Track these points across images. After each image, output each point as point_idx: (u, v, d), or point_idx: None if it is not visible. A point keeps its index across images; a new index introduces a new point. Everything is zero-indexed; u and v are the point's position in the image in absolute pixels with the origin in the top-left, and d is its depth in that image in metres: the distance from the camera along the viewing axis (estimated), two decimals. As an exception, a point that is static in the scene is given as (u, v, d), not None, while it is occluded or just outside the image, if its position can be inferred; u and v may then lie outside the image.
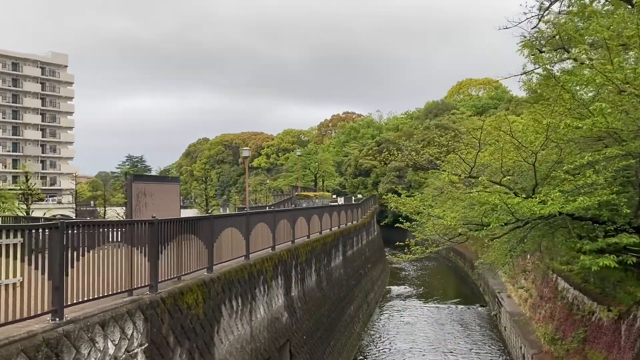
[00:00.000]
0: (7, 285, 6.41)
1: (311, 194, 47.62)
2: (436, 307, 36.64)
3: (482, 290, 39.90)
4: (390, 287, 43.68)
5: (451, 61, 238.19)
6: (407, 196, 19.04)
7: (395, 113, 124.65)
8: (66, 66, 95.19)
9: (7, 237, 6.44)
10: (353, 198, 56.71)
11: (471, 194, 12.09)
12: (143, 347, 9.05)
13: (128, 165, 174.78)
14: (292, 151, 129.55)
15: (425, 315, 34.31)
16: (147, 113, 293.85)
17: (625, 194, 11.87)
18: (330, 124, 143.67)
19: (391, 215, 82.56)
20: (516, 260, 17.76)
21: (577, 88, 12.76)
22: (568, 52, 17.11)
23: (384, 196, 73.81)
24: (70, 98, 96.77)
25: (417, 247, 15.72)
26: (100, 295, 8.27)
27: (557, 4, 24.36)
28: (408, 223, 17.10)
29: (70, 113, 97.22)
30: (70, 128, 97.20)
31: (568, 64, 25.08)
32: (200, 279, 11.59)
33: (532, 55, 19.01)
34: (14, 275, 6.54)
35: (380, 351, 26.42)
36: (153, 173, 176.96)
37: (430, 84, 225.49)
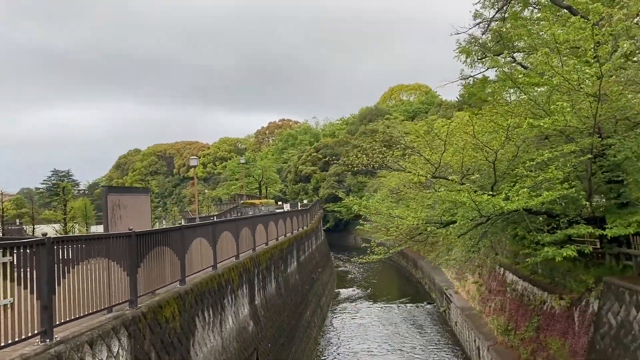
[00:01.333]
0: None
1: (257, 201, 47.24)
2: (386, 307, 37.31)
3: (428, 288, 41.06)
4: (339, 290, 44.06)
5: (377, 67, 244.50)
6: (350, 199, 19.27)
7: (331, 119, 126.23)
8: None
9: (-2, 255, 6.05)
10: (299, 204, 56.79)
11: (439, 193, 12.53)
12: (128, 364, 8.73)
13: (54, 179, 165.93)
14: (229, 160, 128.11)
15: (377, 315, 34.87)
16: (70, 125, 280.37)
17: (576, 188, 12.69)
18: (267, 131, 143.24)
19: (333, 220, 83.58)
20: (465, 257, 18.47)
21: (532, 90, 13.52)
22: (514, 58, 18.06)
23: (331, 203, 74.28)
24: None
25: (380, 247, 16.02)
26: (86, 313, 7.91)
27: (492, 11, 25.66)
28: (368, 225, 17.35)
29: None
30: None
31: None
32: (175, 291, 11.30)
33: (479, 60, 19.87)
34: (5, 297, 6.15)
35: (338, 354, 26.60)
36: (81, 187, 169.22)
37: (360, 90, 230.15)
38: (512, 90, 25.60)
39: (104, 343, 8.02)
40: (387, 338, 29.07)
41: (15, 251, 6.37)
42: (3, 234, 51.63)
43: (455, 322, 28.58)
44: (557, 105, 10.81)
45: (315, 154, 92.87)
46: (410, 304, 37.35)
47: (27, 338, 6.52)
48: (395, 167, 15.11)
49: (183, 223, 61.07)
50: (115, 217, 11.04)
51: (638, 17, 13.74)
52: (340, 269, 56.60)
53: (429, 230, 14.32)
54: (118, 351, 8.42)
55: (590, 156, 12.04)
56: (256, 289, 18.62)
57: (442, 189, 12.85)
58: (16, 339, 6.29)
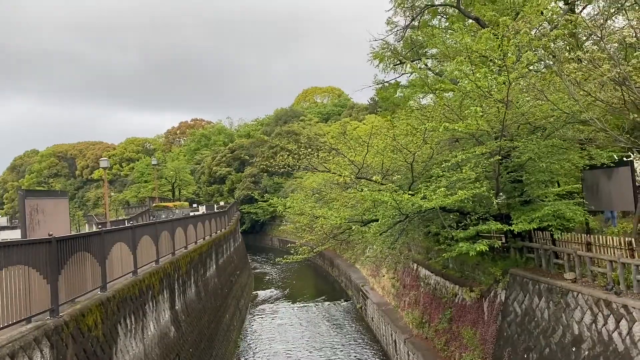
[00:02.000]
0: None
1: (170, 204, 45.87)
2: (304, 306, 37.76)
3: (344, 286, 42.05)
4: (257, 291, 43.94)
5: (288, 69, 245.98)
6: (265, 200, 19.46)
7: (246, 120, 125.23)
8: None
9: None
10: (215, 206, 55.84)
11: (362, 193, 13.01)
12: (50, 376, 8.30)
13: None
14: (137, 161, 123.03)
15: (295, 315, 35.22)
16: None
17: (486, 187, 13.70)
18: (178, 132, 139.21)
19: (249, 221, 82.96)
20: (384, 253, 19.27)
21: (445, 95, 14.41)
22: (426, 65, 19.09)
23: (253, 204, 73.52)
24: None
25: (304, 247, 16.31)
26: (6, 325, 7.45)
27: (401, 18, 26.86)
28: (291, 225, 17.57)
29: None
30: None
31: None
32: (97, 298, 10.86)
33: (395, 66, 20.78)
34: None
35: (259, 356, 26.60)
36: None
37: (272, 92, 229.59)
38: (421, 95, 27.08)
39: (26, 355, 7.60)
40: (306, 337, 29.47)
41: None
42: None
43: (372, 318, 29.56)
44: (470, 110, 11.67)
45: (230, 154, 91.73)
46: (328, 302, 38.07)
47: (-57, 354, 6.07)
48: (321, 168, 15.46)
49: (88, 228, 57.76)
50: (33, 222, 10.39)
51: (536, 30, 15.11)
52: (257, 270, 56.38)
53: (352, 228, 14.81)
54: (40, 363, 8.00)
55: (499, 158, 13.07)
56: (177, 294, 18.21)
57: (365, 189, 13.37)
58: None
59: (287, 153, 16.31)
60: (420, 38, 26.53)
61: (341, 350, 26.65)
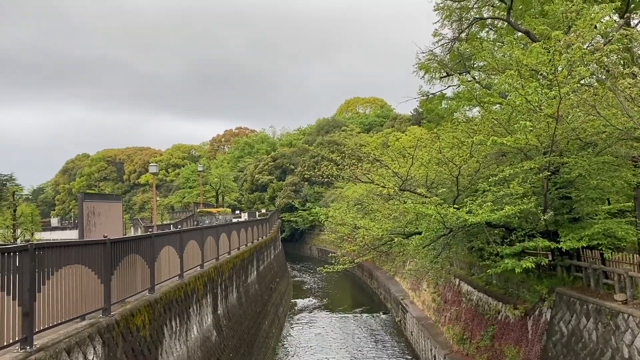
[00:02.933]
0: (-17, 314, 5.94)
1: (213, 210, 46.72)
2: (342, 316, 37.66)
3: (383, 298, 41.73)
4: (296, 300, 44.12)
5: (330, 79, 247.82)
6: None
7: (288, 129, 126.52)
8: None
9: (-17, 261, 5.98)
10: (257, 213, 56.54)
11: (406, 205, 13.00)
12: (102, 372, 8.65)
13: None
14: (183, 167, 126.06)
15: (333, 325, 35.16)
16: (10, 128, 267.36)
17: (535, 203, 13.45)
18: (223, 139, 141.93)
19: (288, 230, 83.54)
20: (427, 267, 19.08)
21: (493, 109, 14.27)
22: (474, 77, 18.93)
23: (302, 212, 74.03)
24: None
25: (345, 257, 16.37)
26: (63, 320, 7.83)
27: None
28: (333, 235, 17.69)
29: None
30: None
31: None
32: (145, 299, 11.24)
33: (441, 78, 20.68)
34: (-11, 303, 6.08)
35: (297, 364, 26.72)
36: (25, 192, 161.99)
37: (313, 101, 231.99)
38: (467, 108, 26.78)
39: (80, 351, 7.95)
40: (344, 348, 29.37)
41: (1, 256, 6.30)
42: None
43: (411, 332, 29.22)
44: (520, 124, 11.52)
45: (272, 163, 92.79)
46: (366, 314, 37.83)
47: (9, 345, 6.44)
48: (363, 178, 15.53)
49: (134, 232, 59.24)
50: (90, 223, 10.89)
51: (589, 44, 14.79)
52: (296, 279, 56.64)
53: (396, 240, 14.78)
54: (93, 359, 8.35)
55: (548, 173, 12.82)
56: (219, 298, 18.57)
57: (409, 201, 13.35)
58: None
59: (331, 163, 16.41)
60: (468, 50, 26.35)
61: (379, 363, 26.46)
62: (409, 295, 34.15)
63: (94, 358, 8.40)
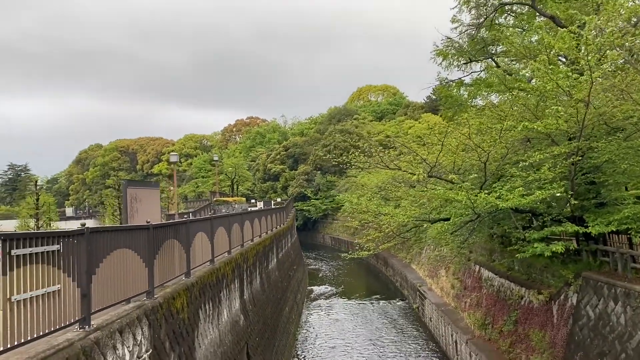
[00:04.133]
0: (50, 293, 6.19)
1: (230, 199, 47.15)
2: (359, 303, 37.96)
3: (400, 286, 41.96)
4: (312, 287, 44.49)
5: (334, 68, 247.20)
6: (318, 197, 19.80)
7: (299, 118, 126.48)
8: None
9: (48, 244, 6.22)
10: (272, 202, 56.88)
11: (435, 192, 13.11)
12: (148, 352, 8.93)
13: (10, 174, 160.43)
14: (195, 157, 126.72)
15: (351, 311, 35.48)
16: (20, 118, 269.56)
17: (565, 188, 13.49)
18: (234, 129, 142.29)
19: (302, 219, 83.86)
20: (454, 252, 19.18)
21: (522, 94, 14.29)
22: (497, 63, 18.89)
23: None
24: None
25: (370, 243, 16.55)
26: (115, 302, 8.10)
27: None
28: (357, 222, 17.85)
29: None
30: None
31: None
32: (182, 283, 11.51)
33: (464, 64, 20.66)
34: (54, 283, 6.32)
35: (317, 348, 27.06)
36: (40, 182, 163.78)
37: (324, 90, 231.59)
38: (485, 94, 26.69)
39: (130, 331, 8.23)
40: (362, 334, 29.68)
41: (61, 240, 6.54)
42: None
43: (430, 318, 29.43)
44: (552, 109, 11.56)
45: (284, 152, 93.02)
46: (383, 301, 38.10)
47: (71, 324, 6.71)
48: (391, 166, 15.66)
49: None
50: (133, 209, 11.15)
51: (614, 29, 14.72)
52: (311, 267, 57.00)
53: (425, 226, 14.93)
54: (141, 340, 8.63)
55: (579, 158, 12.86)
56: (245, 284, 18.87)
57: (439, 188, 13.46)
58: (62, 325, 6.48)
59: (358, 150, 16.54)
60: (486, 36, 26.22)
61: (398, 348, 26.70)
62: (427, 282, 34.32)
63: (142, 339, 8.69)
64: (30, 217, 35.68)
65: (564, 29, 12.56)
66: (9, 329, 5.41)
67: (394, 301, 37.92)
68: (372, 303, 37.78)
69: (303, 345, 27.84)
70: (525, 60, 19.10)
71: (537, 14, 23.05)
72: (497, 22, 27.48)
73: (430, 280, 34.14)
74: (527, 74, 17.33)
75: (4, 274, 5.34)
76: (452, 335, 23.84)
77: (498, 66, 20.34)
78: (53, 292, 6.27)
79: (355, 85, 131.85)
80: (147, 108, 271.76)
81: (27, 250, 5.74)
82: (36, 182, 37.78)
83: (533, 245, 13.09)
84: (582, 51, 11.40)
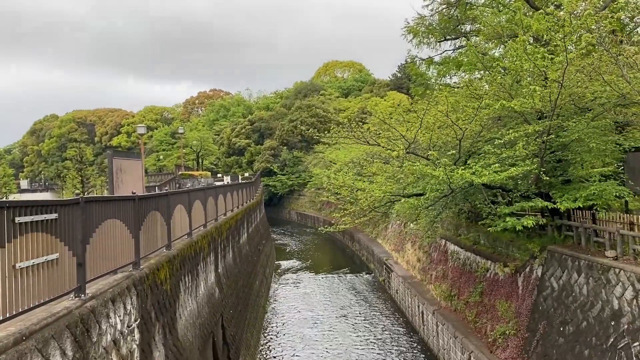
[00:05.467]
0: (49, 262, 6.18)
1: (195, 173, 46.66)
2: (326, 277, 38.62)
3: (366, 259, 42.80)
4: (280, 261, 44.89)
5: (296, 41, 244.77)
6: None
7: (265, 92, 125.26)
8: None
9: (47, 212, 6.18)
10: (239, 177, 56.57)
11: (415, 167, 13.46)
12: (137, 322, 9.01)
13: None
14: (156, 129, 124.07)
15: (319, 285, 36.12)
16: None
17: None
18: (197, 101, 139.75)
19: (267, 194, 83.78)
20: (428, 226, 19.70)
21: (499, 73, 14.69)
22: (469, 41, 19.25)
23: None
24: None
25: (346, 217, 16.87)
26: (105, 272, 8.11)
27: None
28: (334, 197, 18.16)
29: None
30: None
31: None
32: (165, 255, 11.54)
33: (439, 42, 20.96)
34: (52, 252, 6.31)
35: (286, 321, 27.52)
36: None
37: (279, 64, 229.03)
38: (453, 73, 27.16)
39: (121, 301, 8.28)
40: (331, 306, 30.32)
41: (59, 209, 6.50)
42: None
43: (396, 290, 30.27)
44: (530, 89, 11.99)
45: (249, 126, 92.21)
46: (350, 274, 38.87)
47: (68, 292, 6.72)
48: (371, 142, 15.91)
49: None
50: (118, 180, 11.02)
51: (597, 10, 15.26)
52: (277, 242, 57.33)
53: (402, 201, 15.30)
54: (130, 309, 8.69)
55: (552, 136, 13.42)
56: (219, 257, 18.97)
57: (417, 164, 13.81)
58: (60, 293, 6.49)
59: (338, 126, 16.72)
60: (457, 15, 26.58)
61: (366, 320, 27.44)
62: (393, 256, 35.15)
63: (131, 308, 8.75)
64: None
65: (538, 10, 12.96)
66: (13, 295, 5.41)
67: (361, 274, 38.75)
68: (339, 276, 38.49)
69: (273, 317, 28.26)
70: (495, 40, 19.57)
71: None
72: (467, 0, 27.90)
73: (396, 254, 34.98)
74: (496, 54, 17.78)
75: (9, 240, 5.32)
76: (418, 307, 24.65)
77: (474, 45, 20.71)
78: (52, 260, 6.25)
79: (320, 60, 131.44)
80: (103, 79, 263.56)
81: (29, 218, 5.70)
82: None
83: (505, 220, 13.67)
84: (558, 33, 11.83)
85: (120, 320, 8.19)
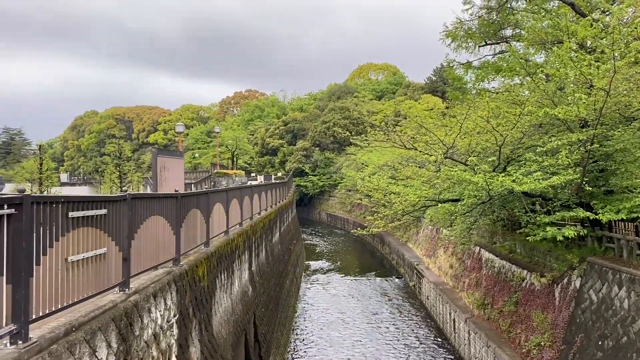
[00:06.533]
0: (98, 256, 6.38)
1: (230, 171, 47.22)
2: (355, 279, 38.53)
3: (396, 264, 42.53)
4: (309, 262, 45.02)
5: (325, 42, 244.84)
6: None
7: (299, 93, 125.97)
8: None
9: (98, 208, 6.38)
10: (272, 176, 57.02)
11: (453, 172, 13.32)
12: (175, 317, 9.19)
13: (5, 138, 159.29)
14: (192, 127, 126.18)
15: (348, 287, 36.06)
16: (5, 82, 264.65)
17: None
18: (232, 101, 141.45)
19: (298, 194, 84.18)
20: (464, 233, 19.43)
21: (543, 79, 14.42)
22: (509, 44, 18.95)
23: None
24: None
25: (380, 221, 16.82)
26: (147, 268, 8.30)
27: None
28: (367, 199, 18.11)
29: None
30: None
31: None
32: (203, 252, 11.74)
33: (480, 46, 20.71)
34: (101, 246, 6.50)
35: (316, 321, 27.59)
36: (33, 147, 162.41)
37: (310, 65, 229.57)
38: (492, 77, 26.77)
39: (162, 296, 8.46)
40: (359, 309, 30.25)
41: (107, 205, 6.70)
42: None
43: (427, 296, 29.98)
44: (575, 96, 11.73)
45: (283, 127, 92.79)
46: (380, 278, 38.67)
47: (113, 286, 6.92)
48: (408, 145, 15.82)
49: (145, 190, 59.90)
50: (162, 178, 11.29)
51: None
52: (307, 242, 57.52)
53: (439, 207, 15.17)
54: (170, 305, 8.88)
55: (597, 145, 13.10)
56: (253, 255, 19.16)
57: (456, 169, 13.66)
58: (106, 287, 6.69)
59: (376, 128, 16.70)
60: (498, 19, 26.19)
61: (395, 325, 27.27)
62: (424, 261, 34.84)
63: (171, 304, 8.93)
64: (27, 181, 35.55)
65: (586, 17, 12.65)
66: (65, 287, 5.61)
67: (391, 279, 38.52)
68: (368, 279, 38.36)
69: (302, 317, 28.36)
70: (537, 46, 19.19)
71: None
72: (509, 5, 27.47)
73: (427, 260, 34.65)
74: (538, 60, 17.46)
75: (63, 234, 5.51)
76: (450, 314, 24.37)
77: (514, 51, 20.39)
78: (100, 254, 6.45)
79: (350, 62, 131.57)
80: (138, 76, 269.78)
81: (81, 213, 5.90)
82: (40, 147, 37.56)
83: (545, 229, 13.39)
84: (606, 39, 11.52)
85: (161, 315, 8.37)
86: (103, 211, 6.52)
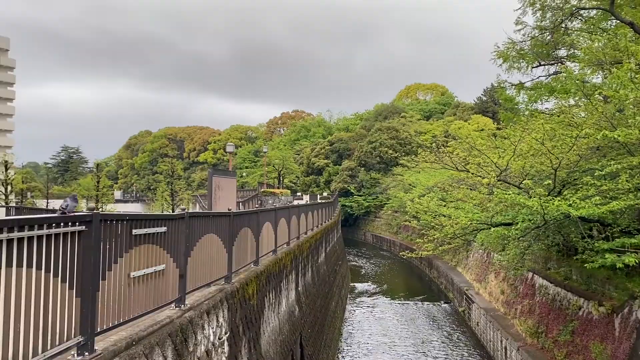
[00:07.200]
0: (157, 272, 6.58)
1: (277, 191, 47.78)
2: (402, 303, 37.89)
3: (444, 288, 41.60)
4: (354, 284, 44.66)
5: (372, 64, 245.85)
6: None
7: (345, 113, 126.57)
8: (7, 50, 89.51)
9: (158, 225, 6.60)
10: (318, 196, 57.31)
11: (506, 196, 13.03)
12: (227, 335, 9.31)
13: (64, 156, 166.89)
14: (240, 147, 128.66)
15: (394, 311, 35.48)
16: (64, 105, 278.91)
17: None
18: (279, 121, 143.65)
19: (343, 214, 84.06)
20: (517, 258, 18.85)
21: (600, 101, 14.02)
22: (564, 64, 18.53)
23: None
24: (11, 84, 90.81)
25: (429, 244, 16.58)
26: (201, 285, 8.49)
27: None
28: (416, 221, 17.90)
29: (11, 100, 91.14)
30: (10, 115, 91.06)
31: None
32: (253, 270, 11.88)
33: (534, 67, 20.35)
34: (160, 263, 6.71)
35: (361, 345, 27.25)
36: (90, 165, 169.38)
37: (356, 86, 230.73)
38: (545, 99, 26.17)
39: (215, 313, 8.61)
40: (406, 333, 29.68)
41: (167, 223, 6.92)
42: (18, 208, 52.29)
43: (477, 323, 29.14)
44: (636, 119, 11.34)
45: (329, 147, 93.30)
46: (427, 302, 37.88)
47: (170, 302, 7.11)
48: (460, 167, 15.62)
49: (193, 208, 61.29)
50: (216, 197, 11.60)
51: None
52: (352, 263, 57.17)
53: (492, 230, 14.85)
54: (222, 322, 9.02)
55: (660, 169, 12.57)
56: (300, 275, 19.22)
57: (509, 192, 13.37)
58: (164, 302, 6.87)
59: (426, 149, 16.60)
60: (552, 39, 25.71)
61: (443, 351, 26.60)
62: (474, 287, 33.94)
63: (222, 321, 9.07)
64: (82, 198, 37.08)
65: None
66: (127, 302, 5.81)
67: (438, 303, 37.66)
68: (415, 304, 37.65)
69: (347, 340, 28.08)
70: (594, 67, 18.67)
71: (607, 18, 22.43)
72: (564, 25, 26.93)
73: (477, 285, 33.74)
74: (595, 81, 16.96)
75: (126, 251, 5.73)
76: (501, 341, 23.57)
77: (568, 72, 19.92)
78: (159, 271, 6.66)
79: (397, 82, 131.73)
80: (187, 98, 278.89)
81: (144, 231, 6.12)
82: (98, 165, 39.26)
83: (603, 256, 12.86)
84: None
85: (213, 332, 8.51)
86: (163, 229, 6.74)
